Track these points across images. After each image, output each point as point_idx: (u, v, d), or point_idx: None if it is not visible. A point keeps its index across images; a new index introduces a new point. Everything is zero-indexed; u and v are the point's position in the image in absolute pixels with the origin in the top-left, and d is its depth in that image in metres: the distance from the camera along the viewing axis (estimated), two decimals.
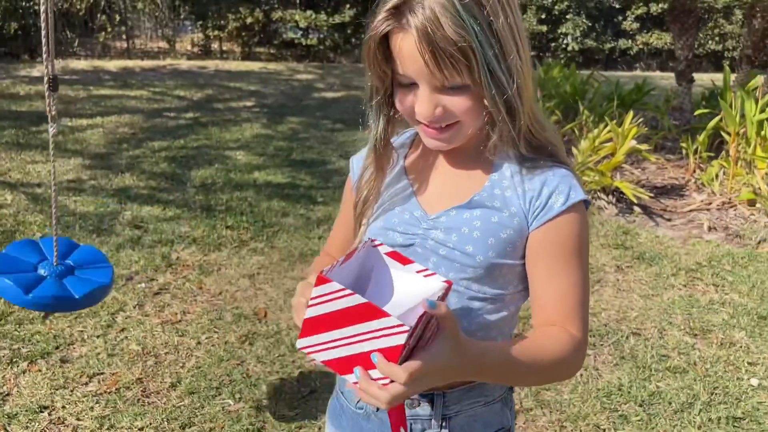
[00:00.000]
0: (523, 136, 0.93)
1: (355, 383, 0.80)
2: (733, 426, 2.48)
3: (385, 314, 0.77)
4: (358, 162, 1.09)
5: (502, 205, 0.95)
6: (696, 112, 5.68)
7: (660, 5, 12.57)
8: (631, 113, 5.07)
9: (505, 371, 0.90)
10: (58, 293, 1.83)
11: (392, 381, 0.78)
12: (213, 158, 5.77)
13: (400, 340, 0.77)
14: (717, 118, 5.28)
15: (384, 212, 1.01)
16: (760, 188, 4.53)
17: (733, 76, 6.06)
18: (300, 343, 0.84)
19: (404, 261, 0.90)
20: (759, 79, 5.51)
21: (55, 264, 1.94)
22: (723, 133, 5.31)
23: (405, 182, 1.02)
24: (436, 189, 1.00)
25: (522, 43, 0.90)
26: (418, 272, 0.89)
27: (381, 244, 0.91)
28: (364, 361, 0.79)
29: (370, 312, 0.77)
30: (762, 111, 5.13)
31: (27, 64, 10.97)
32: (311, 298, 0.80)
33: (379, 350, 0.78)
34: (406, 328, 0.77)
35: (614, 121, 5.11)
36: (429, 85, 0.87)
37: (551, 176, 0.95)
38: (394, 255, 0.90)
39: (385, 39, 0.88)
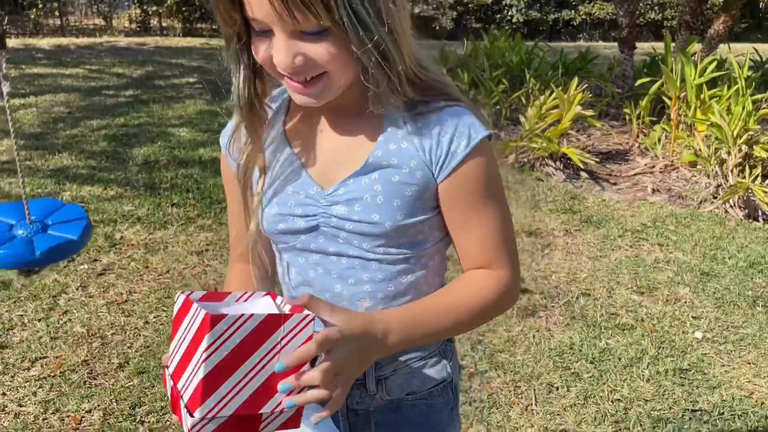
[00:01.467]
0: (407, 80, 0.84)
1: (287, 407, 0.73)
2: (680, 377, 2.55)
3: (289, 315, 0.71)
4: (224, 137, 0.98)
5: (401, 162, 0.86)
6: (638, 82, 5.78)
7: None
8: (576, 80, 5.13)
9: (428, 332, 0.87)
10: (18, 252, 1.78)
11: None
12: (155, 135, 5.58)
13: (309, 330, 0.72)
14: (658, 83, 5.39)
15: (276, 195, 0.91)
16: (700, 149, 4.65)
17: (673, 44, 6.18)
18: (199, 413, 0.68)
19: (220, 297, 0.82)
20: (696, 45, 5.63)
21: (28, 223, 1.88)
22: (664, 98, 5.42)
23: (290, 154, 0.91)
24: (327, 158, 0.90)
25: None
26: (237, 300, 0.82)
27: (191, 293, 0.80)
28: (274, 381, 0.72)
29: (273, 322, 0.70)
30: (701, 75, 5.26)
31: None
32: (205, 349, 0.67)
33: (288, 357, 0.72)
34: (311, 315, 0.72)
35: (560, 89, 5.16)
36: (283, 30, 0.76)
37: (447, 119, 0.86)
38: (208, 296, 0.81)
39: None
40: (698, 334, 2.86)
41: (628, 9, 6.91)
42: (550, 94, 5.16)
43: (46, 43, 10.96)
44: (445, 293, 0.91)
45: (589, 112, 5.13)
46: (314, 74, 0.79)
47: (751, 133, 4.46)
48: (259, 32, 0.78)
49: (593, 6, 16.83)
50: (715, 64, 5.41)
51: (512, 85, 6.39)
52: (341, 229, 0.88)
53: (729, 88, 4.99)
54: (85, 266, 3.31)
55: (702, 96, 5.09)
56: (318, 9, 0.71)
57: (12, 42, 10.86)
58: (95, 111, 6.34)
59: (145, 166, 4.80)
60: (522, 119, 5.31)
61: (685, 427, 2.29)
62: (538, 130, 4.95)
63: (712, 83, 5.52)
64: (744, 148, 4.44)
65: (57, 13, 13.26)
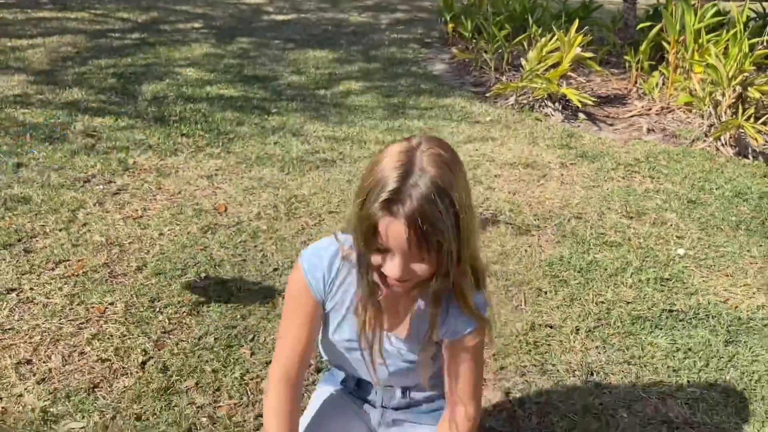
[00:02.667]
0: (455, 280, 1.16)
1: None
2: (660, 285, 2.73)
3: None
4: (314, 272, 1.26)
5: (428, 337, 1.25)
6: (639, 26, 5.84)
7: None
8: (576, 22, 5.21)
9: None
10: None
11: None
12: (163, 74, 5.68)
13: None
14: (657, 27, 5.46)
15: (342, 325, 1.31)
16: (695, 90, 4.76)
17: None
18: None
19: None
20: None
21: None
22: (664, 43, 5.50)
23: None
24: (397, 317, 1.28)
25: (475, 228, 1.11)
26: None
27: None
28: None
29: None
30: (700, 21, 5.33)
31: None
32: None
33: None
34: None
35: (561, 31, 5.24)
36: (403, 256, 1.05)
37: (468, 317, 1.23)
38: None
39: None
40: (680, 251, 3.03)
41: None
42: (552, 37, 5.24)
43: None
44: None
45: (589, 55, 5.22)
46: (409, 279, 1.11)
47: (746, 74, 4.56)
48: (381, 249, 1.07)
49: None
50: (714, 9, 5.47)
51: (515, 33, 6.45)
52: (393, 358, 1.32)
53: (728, 33, 5.07)
54: (101, 186, 3.47)
55: (700, 40, 5.17)
56: (433, 247, 1.03)
57: None
58: (102, 51, 6.42)
59: (154, 101, 4.93)
60: (523, 62, 5.40)
61: (662, 323, 2.47)
62: (539, 71, 5.05)
63: (712, 31, 5.59)
64: (738, 89, 4.55)
65: None
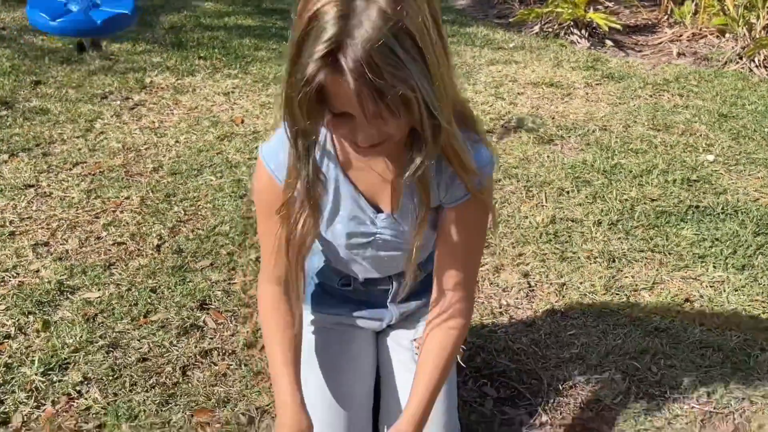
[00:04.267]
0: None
1: None
2: (687, 185, 2.64)
3: None
4: (274, 156, 1.06)
5: (432, 200, 1.04)
6: None
7: None
8: None
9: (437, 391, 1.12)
10: (81, 20, 2.05)
11: None
12: (181, 7, 5.61)
13: None
14: None
15: (341, 217, 1.10)
16: (729, 10, 4.57)
17: None
18: None
19: None
20: None
21: None
22: None
23: (349, 186, 1.07)
24: (376, 188, 1.08)
25: (449, 64, 0.87)
26: None
27: None
28: None
29: None
30: None
31: None
32: None
33: None
34: None
35: None
36: (365, 121, 0.83)
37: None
38: None
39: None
40: (710, 157, 2.92)
41: None
42: None
43: None
44: (438, 364, 1.11)
45: None
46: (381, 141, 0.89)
47: None
48: (338, 114, 0.85)
49: None
50: None
51: None
52: (389, 243, 1.12)
53: None
54: (118, 102, 3.45)
55: None
56: (401, 112, 0.81)
57: None
58: None
59: (172, 29, 4.87)
60: None
61: (688, 218, 2.39)
62: None
63: None
64: None
65: None
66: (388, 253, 1.14)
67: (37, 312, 1.80)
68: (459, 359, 1.29)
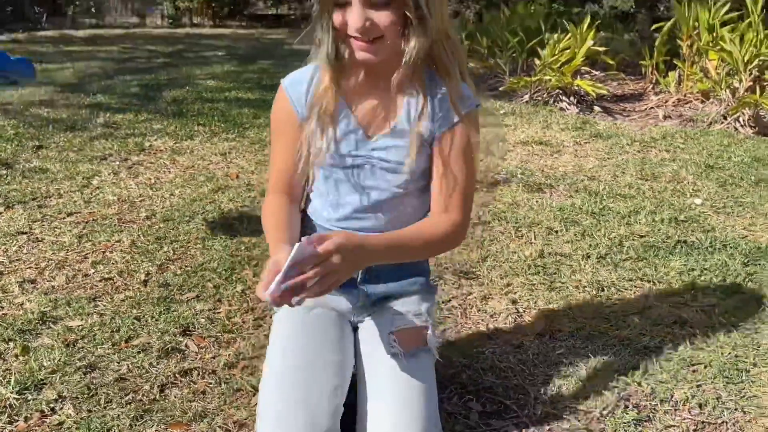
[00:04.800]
0: (435, 53, 1.15)
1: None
2: (676, 224, 2.66)
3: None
4: (296, 87, 1.24)
5: (418, 129, 1.19)
6: (653, 26, 5.86)
7: None
8: (588, 18, 5.26)
9: (399, 257, 1.22)
10: None
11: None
12: (184, 84, 5.85)
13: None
14: (672, 21, 5.44)
15: (335, 137, 1.22)
16: (712, 75, 4.73)
17: None
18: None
19: None
20: None
21: None
22: (678, 40, 5.50)
23: (345, 108, 1.21)
24: (370, 113, 1.22)
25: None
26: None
27: None
28: None
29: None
30: (714, 17, 5.32)
31: None
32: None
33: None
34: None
35: (572, 25, 5.28)
36: (359, 1, 1.05)
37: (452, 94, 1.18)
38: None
39: None
40: (697, 200, 2.95)
41: None
42: (565, 36, 5.29)
43: (82, 33, 11.43)
44: (415, 231, 1.21)
45: (603, 49, 5.24)
46: (375, 36, 1.08)
47: (762, 58, 4.53)
48: (341, 4, 1.08)
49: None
50: (728, 6, 5.47)
51: (529, 41, 6.51)
52: (379, 167, 1.22)
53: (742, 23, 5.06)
54: (117, 162, 3.53)
55: (714, 33, 5.16)
56: None
57: (50, 33, 11.34)
58: (128, 71, 6.65)
59: (174, 102, 5.06)
60: (537, 62, 5.44)
61: (676, 251, 2.39)
62: (553, 66, 5.07)
63: (725, 25, 5.57)
64: (755, 72, 4.51)
65: (93, 11, 13.78)
66: (386, 176, 1.23)
67: (17, 339, 1.78)
68: (435, 353, 1.25)
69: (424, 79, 1.19)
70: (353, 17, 1.07)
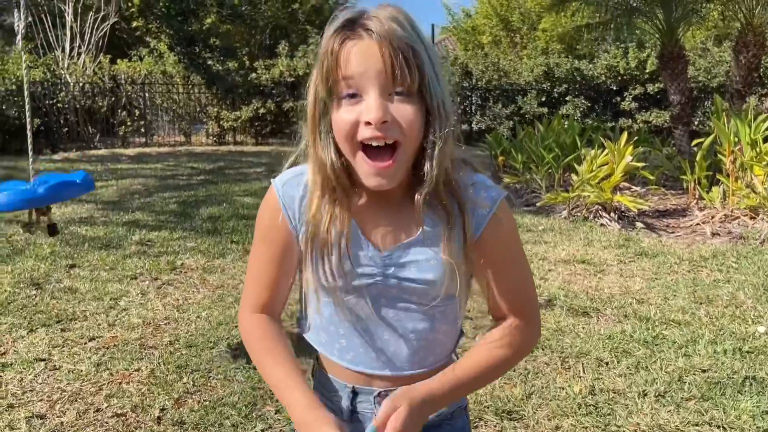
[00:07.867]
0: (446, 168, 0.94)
1: None
2: (740, 356, 2.41)
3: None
4: (289, 191, 1.03)
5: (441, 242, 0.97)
6: (694, 142, 5.79)
7: (656, 85, 12.95)
8: (625, 134, 5.21)
9: (470, 391, 1.04)
10: (24, 195, 2.10)
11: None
12: (221, 201, 5.92)
13: None
14: (712, 136, 5.36)
15: (342, 254, 0.98)
16: (760, 191, 4.56)
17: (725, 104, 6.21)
18: None
19: None
20: (751, 101, 5.65)
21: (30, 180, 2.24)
22: (719, 155, 5.39)
23: (353, 224, 0.99)
24: (379, 226, 0.99)
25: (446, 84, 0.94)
26: None
27: None
28: None
29: None
30: (755, 133, 5.23)
31: (48, 157, 11.41)
32: None
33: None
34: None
35: (609, 141, 5.24)
36: (379, 88, 0.87)
37: (473, 190, 0.98)
38: None
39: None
40: (761, 328, 2.71)
41: (679, 86, 7.03)
42: (602, 151, 5.24)
43: (131, 151, 11.94)
44: (485, 356, 1.01)
45: (641, 164, 5.15)
46: (394, 139, 0.88)
47: None
48: (347, 97, 0.88)
49: (650, 114, 16.75)
50: None
51: (565, 157, 6.50)
52: (396, 287, 0.98)
53: None
54: (147, 282, 3.47)
55: (757, 148, 5.05)
56: (414, 71, 0.88)
57: (101, 151, 11.88)
58: (168, 188, 6.81)
59: (210, 219, 5.08)
60: (574, 178, 5.37)
61: (744, 389, 2.14)
62: (591, 182, 4.98)
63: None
64: None
65: (143, 130, 14.48)
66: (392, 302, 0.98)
67: None
68: None
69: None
70: (369, 109, 0.86)
